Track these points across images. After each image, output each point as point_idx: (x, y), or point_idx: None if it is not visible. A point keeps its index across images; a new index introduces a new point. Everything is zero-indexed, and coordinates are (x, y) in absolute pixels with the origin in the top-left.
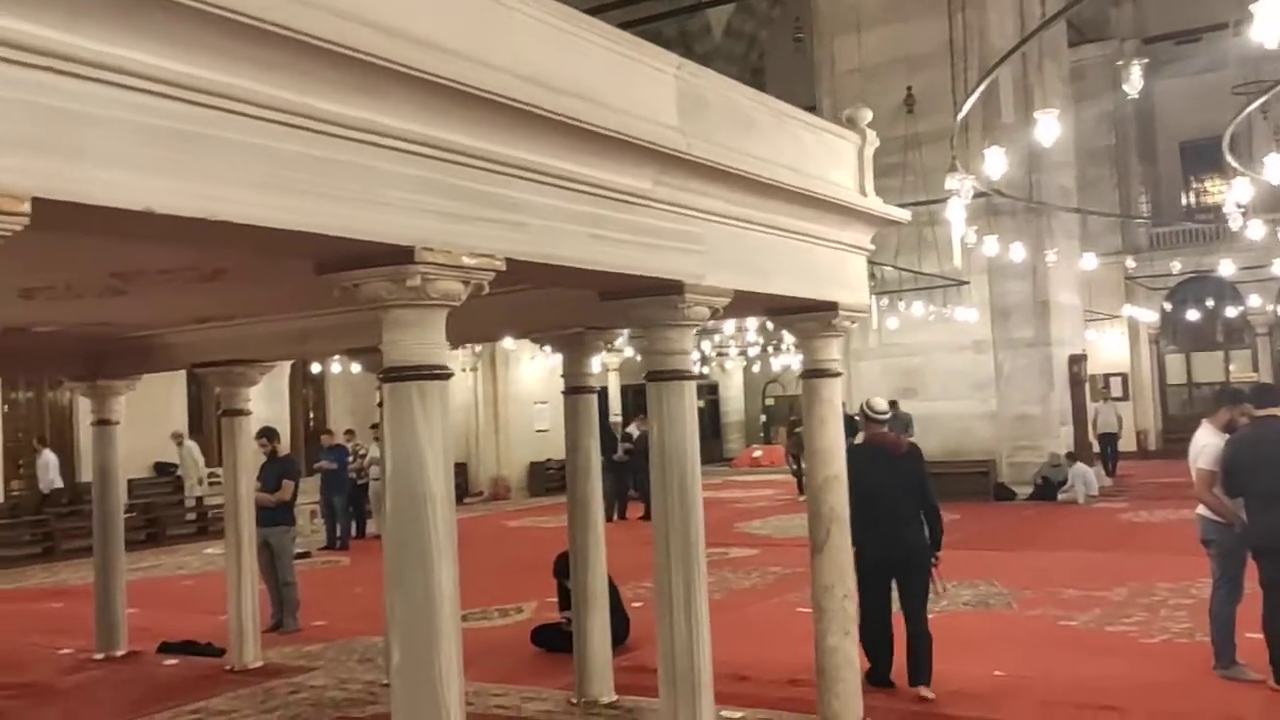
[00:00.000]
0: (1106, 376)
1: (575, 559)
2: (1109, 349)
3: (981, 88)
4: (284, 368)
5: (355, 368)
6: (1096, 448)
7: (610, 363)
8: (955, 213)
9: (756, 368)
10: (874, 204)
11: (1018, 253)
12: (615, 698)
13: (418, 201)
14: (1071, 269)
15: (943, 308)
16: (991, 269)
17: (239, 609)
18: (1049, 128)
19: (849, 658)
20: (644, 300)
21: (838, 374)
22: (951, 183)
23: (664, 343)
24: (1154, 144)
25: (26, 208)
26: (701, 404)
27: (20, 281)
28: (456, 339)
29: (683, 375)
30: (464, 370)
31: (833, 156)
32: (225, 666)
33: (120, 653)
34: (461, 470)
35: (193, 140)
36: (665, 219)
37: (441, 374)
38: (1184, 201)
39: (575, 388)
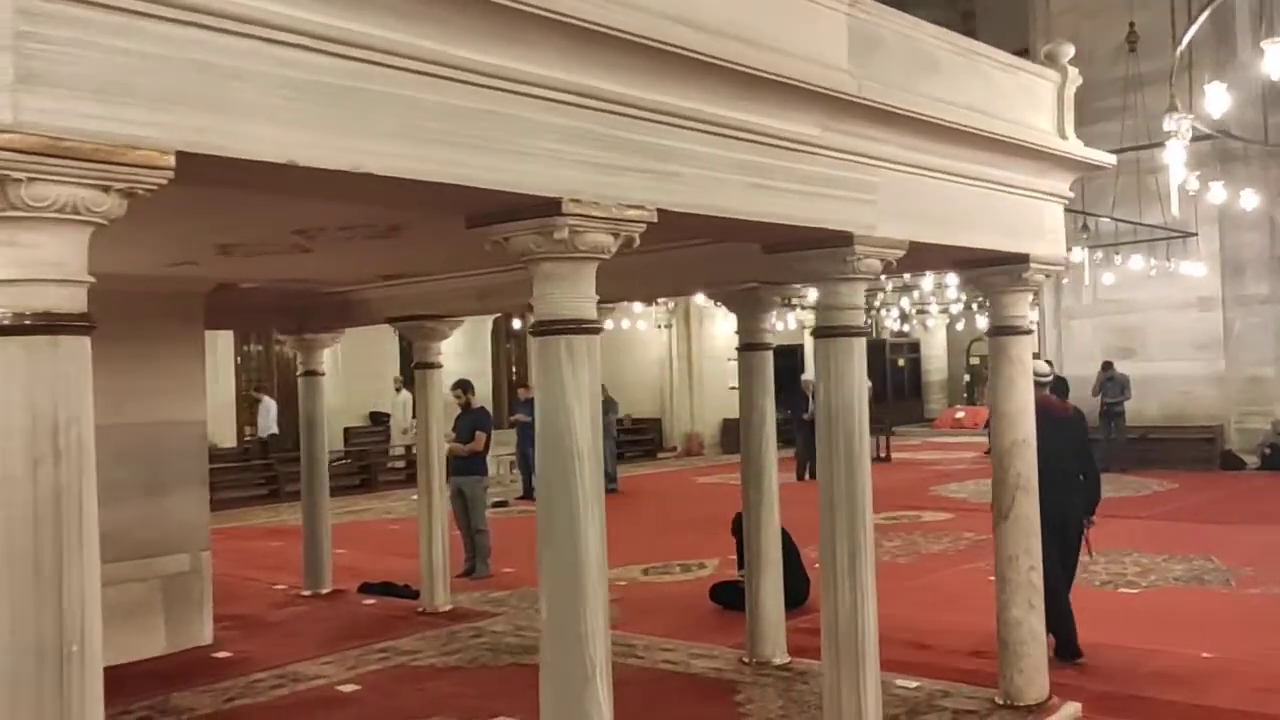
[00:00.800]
0: None
1: (748, 518)
2: None
3: (1205, 15)
4: (486, 323)
5: None
6: None
7: (806, 320)
8: (1174, 156)
9: (960, 325)
10: (1074, 147)
11: (1249, 200)
12: (788, 659)
13: (564, 151)
14: None
15: (1165, 261)
16: (1222, 219)
17: (430, 554)
18: (1277, 59)
19: (1034, 631)
20: (811, 253)
21: (1028, 331)
22: (1170, 123)
23: (832, 297)
24: None
25: (171, 161)
26: (902, 362)
27: (215, 238)
28: (623, 296)
29: (852, 331)
30: (659, 327)
31: (1028, 97)
32: (418, 609)
33: (326, 590)
34: (656, 426)
35: (335, 93)
36: (833, 167)
37: (590, 328)
38: None
39: (750, 344)
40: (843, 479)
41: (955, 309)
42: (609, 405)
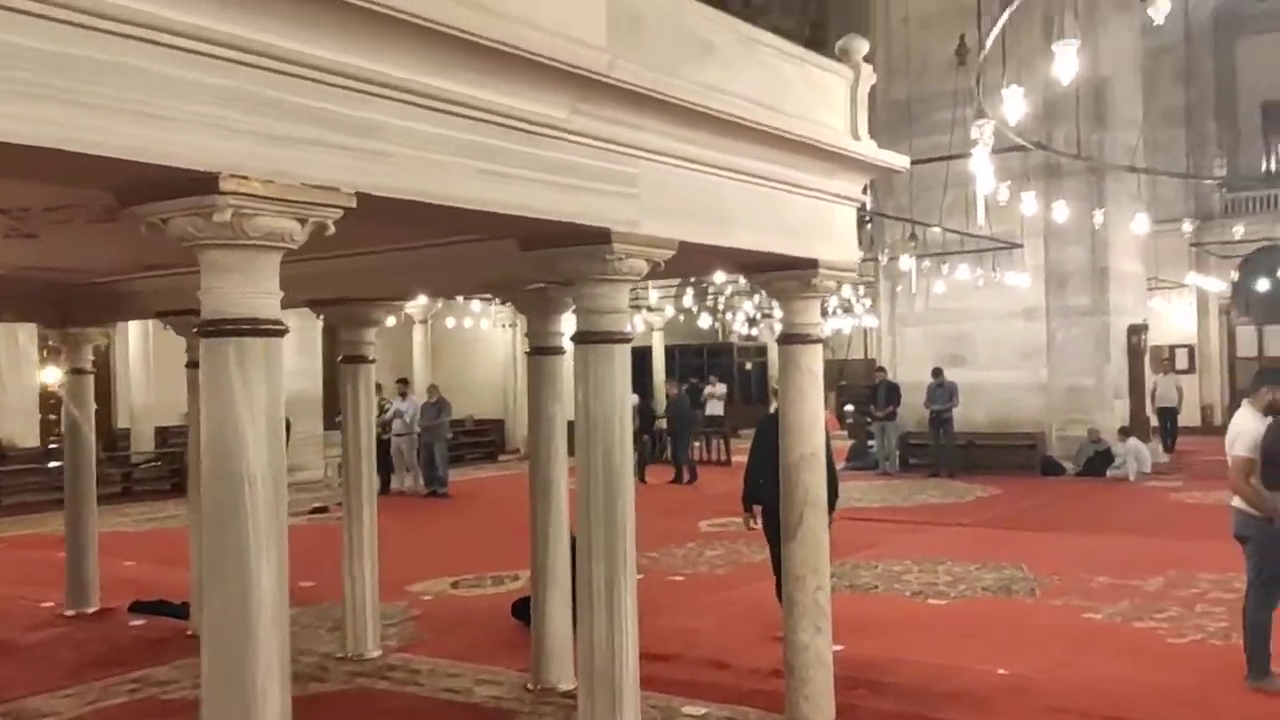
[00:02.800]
0: (1172, 348)
1: (534, 533)
2: (1176, 320)
3: (1003, 21)
4: (317, 320)
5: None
6: (1155, 422)
7: (654, 321)
8: (980, 164)
9: None
10: (865, 148)
11: (1060, 212)
12: (574, 685)
13: (225, 118)
14: (1134, 234)
15: (992, 272)
16: (1048, 233)
17: (200, 568)
18: (1067, 60)
19: (820, 655)
20: (569, 250)
21: (819, 340)
22: (974, 131)
23: (591, 300)
24: (1234, 105)
25: None
26: (749, 366)
27: None
28: (398, 294)
29: (614, 337)
30: (502, 326)
31: (818, 93)
32: (188, 630)
33: (91, 610)
34: (499, 428)
35: None
36: (587, 155)
37: (270, 329)
38: (1264, 166)
39: (540, 348)
40: (601, 498)
41: None
42: (441, 406)
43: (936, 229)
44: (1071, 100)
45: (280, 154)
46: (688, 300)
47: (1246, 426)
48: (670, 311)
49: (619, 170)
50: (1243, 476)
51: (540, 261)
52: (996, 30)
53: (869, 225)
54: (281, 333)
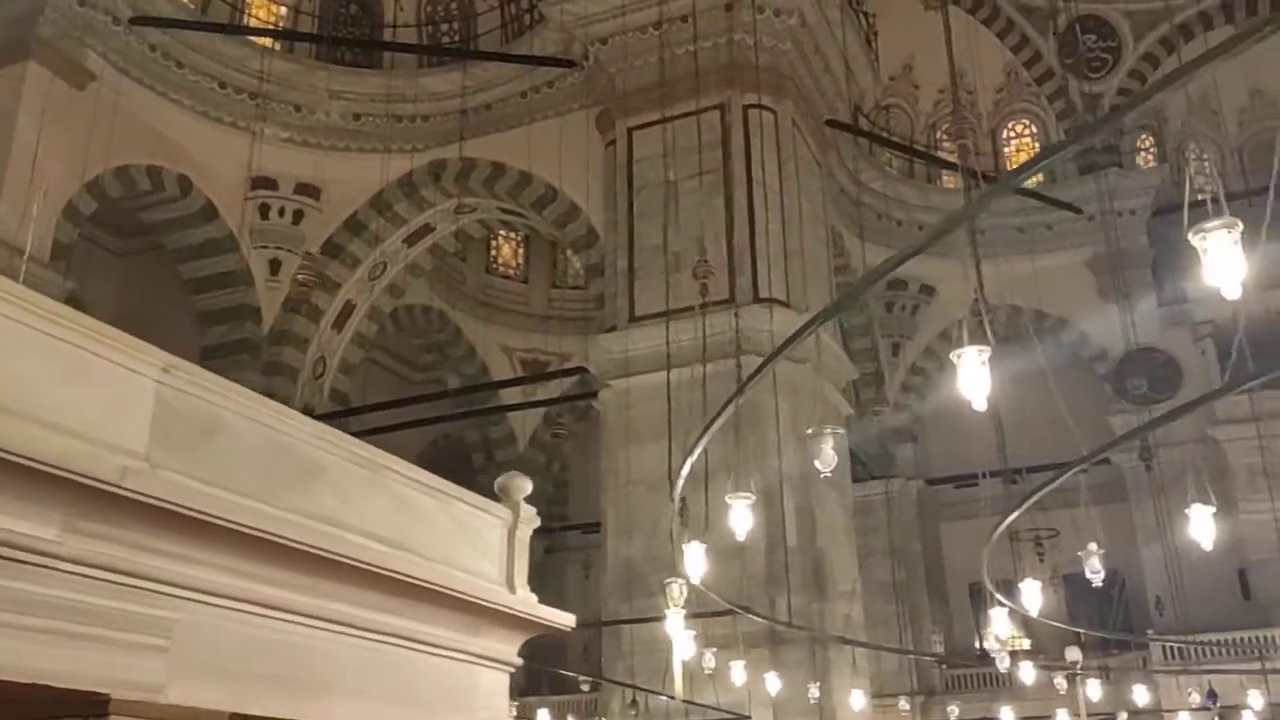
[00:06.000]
0: None
1: None
2: None
3: (679, 490)
4: None
5: None
6: None
7: None
8: (674, 626)
9: None
10: (521, 602)
11: (773, 683)
12: None
13: None
14: (854, 710)
15: None
16: (776, 705)
17: None
18: (741, 517)
19: None
20: None
21: None
22: (673, 590)
23: None
24: (944, 583)
25: None
26: None
27: None
28: None
29: None
30: None
31: (467, 535)
32: None
33: None
34: None
35: None
36: (90, 591)
37: None
38: (976, 644)
39: None
40: None
41: None
42: None
43: (664, 698)
44: (794, 566)
45: None
46: None
47: None
48: None
49: (142, 614)
50: None
51: None
52: (680, 480)
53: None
54: None
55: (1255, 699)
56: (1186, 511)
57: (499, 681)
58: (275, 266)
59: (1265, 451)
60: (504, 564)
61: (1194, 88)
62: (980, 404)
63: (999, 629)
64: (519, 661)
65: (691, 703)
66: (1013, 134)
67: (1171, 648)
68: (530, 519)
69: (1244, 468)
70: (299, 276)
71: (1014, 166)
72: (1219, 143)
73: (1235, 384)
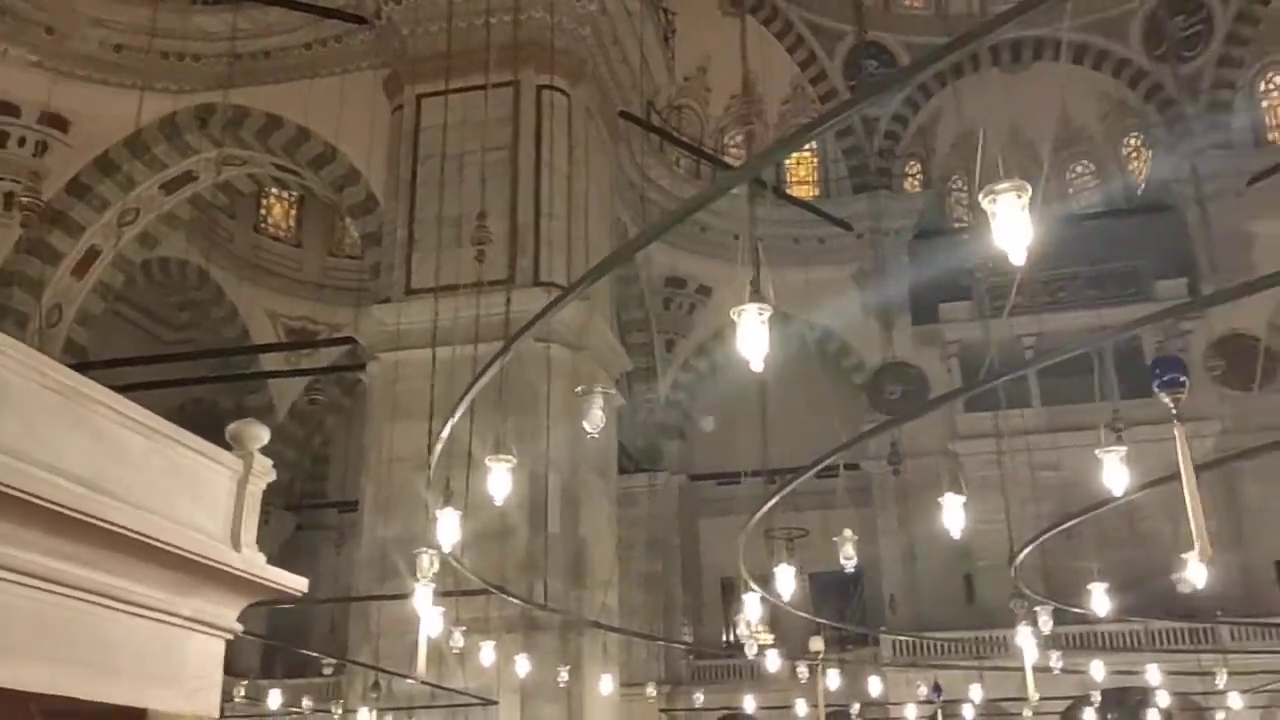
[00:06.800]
0: None
1: None
2: None
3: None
4: None
5: None
6: None
7: None
8: (422, 600)
9: None
10: (242, 560)
11: (523, 666)
12: None
13: None
14: (602, 695)
15: None
16: (525, 689)
17: None
18: (501, 480)
19: None
20: None
21: None
22: (422, 560)
23: None
24: (699, 576)
25: None
26: None
27: None
28: None
29: None
30: None
31: (185, 482)
32: None
33: None
34: None
35: None
36: None
37: None
38: (724, 637)
39: None
40: None
41: None
42: None
43: (409, 682)
44: (555, 552)
45: None
46: None
47: None
48: None
49: None
50: None
51: None
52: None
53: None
54: None
55: (976, 693)
56: (935, 514)
57: (213, 650)
58: (9, 201)
59: (1001, 466)
60: (230, 519)
61: (963, 123)
62: (758, 365)
63: (752, 614)
64: (238, 628)
65: (435, 685)
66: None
67: (901, 644)
68: (265, 471)
69: (979, 480)
70: (23, 200)
71: (793, 179)
72: (979, 177)
73: (940, 400)
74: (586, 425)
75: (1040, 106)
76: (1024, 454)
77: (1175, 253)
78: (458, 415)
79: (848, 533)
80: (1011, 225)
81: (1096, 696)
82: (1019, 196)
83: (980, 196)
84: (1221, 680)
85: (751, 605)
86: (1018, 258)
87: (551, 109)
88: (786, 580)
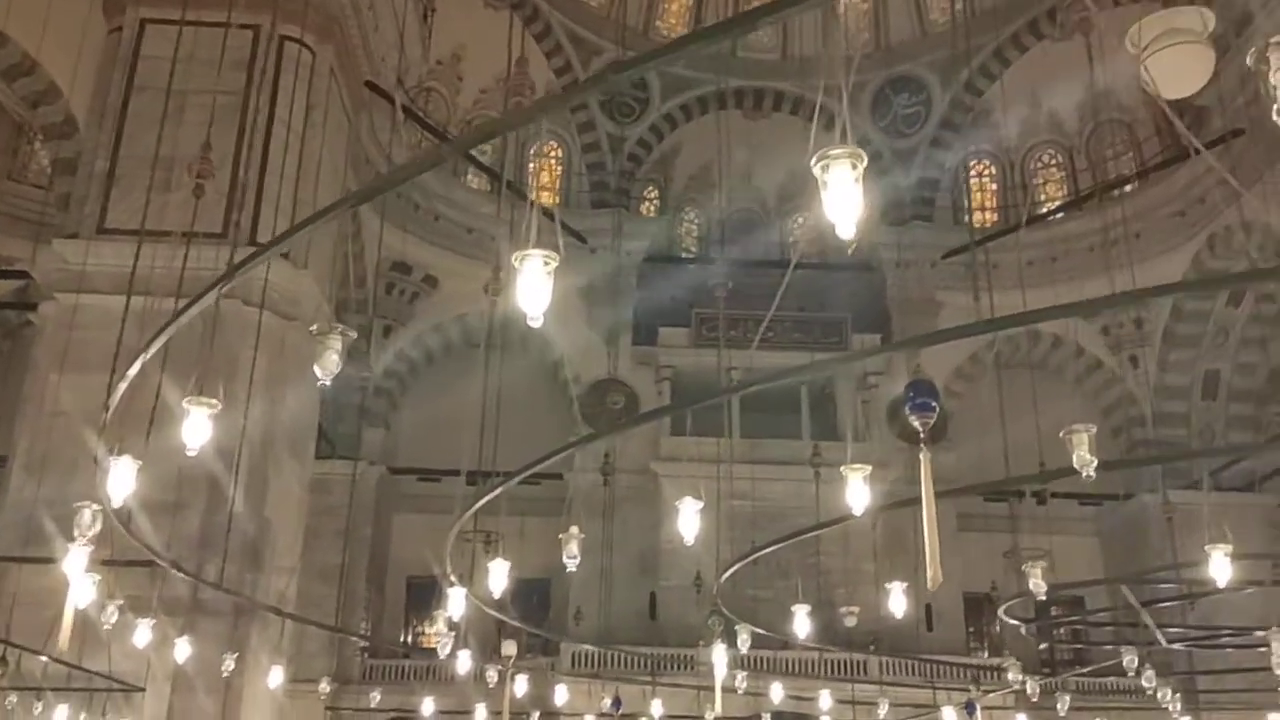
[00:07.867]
0: None
1: None
2: None
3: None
4: None
5: None
6: None
7: None
8: (74, 564)
9: None
10: None
11: (183, 651)
12: None
13: None
14: (268, 688)
15: (102, 718)
16: (178, 678)
17: None
18: (200, 425)
19: None
20: None
21: None
22: (83, 515)
23: None
24: (384, 573)
25: None
26: None
27: None
28: None
29: None
30: None
31: None
32: None
33: None
34: None
35: None
36: None
37: None
38: (404, 637)
39: None
40: None
41: None
42: None
43: (42, 658)
44: (234, 531)
45: None
46: None
47: None
48: None
49: None
50: None
51: None
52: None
53: None
54: None
55: (656, 708)
56: (629, 530)
57: None
58: None
59: (697, 489)
60: None
61: (702, 158)
62: (536, 320)
63: (455, 611)
64: None
65: (74, 666)
66: (540, 153)
67: (583, 655)
68: None
69: (674, 500)
70: None
71: (543, 184)
72: (709, 213)
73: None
74: (318, 370)
75: (774, 155)
76: (723, 481)
77: (873, 310)
78: (138, 365)
79: (574, 530)
80: (842, 196)
81: (767, 718)
82: (854, 167)
83: (813, 163)
84: (883, 710)
85: (456, 602)
86: (846, 231)
87: (295, 64)
88: (499, 577)
